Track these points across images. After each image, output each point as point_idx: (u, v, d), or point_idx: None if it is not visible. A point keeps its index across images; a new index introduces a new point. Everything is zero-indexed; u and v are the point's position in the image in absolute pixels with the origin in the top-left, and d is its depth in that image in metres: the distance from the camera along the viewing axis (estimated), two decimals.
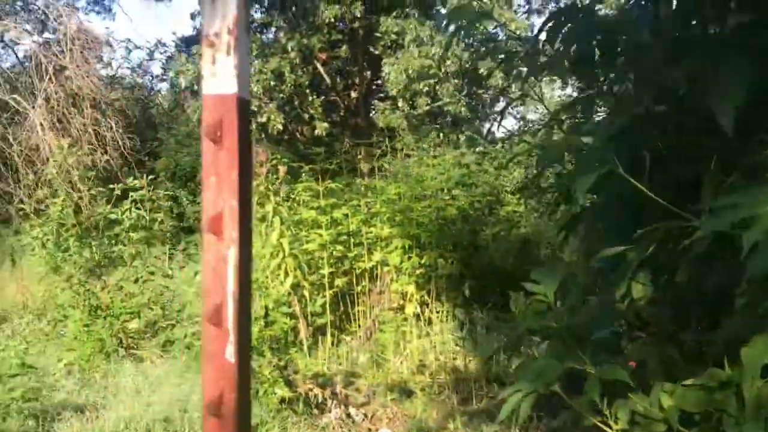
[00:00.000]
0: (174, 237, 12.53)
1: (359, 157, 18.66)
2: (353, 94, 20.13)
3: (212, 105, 1.26)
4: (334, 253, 6.37)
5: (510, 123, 29.91)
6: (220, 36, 1.26)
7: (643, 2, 2.97)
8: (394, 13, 17.57)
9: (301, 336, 5.96)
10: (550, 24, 2.72)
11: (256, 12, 20.60)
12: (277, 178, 6.12)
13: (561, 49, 2.68)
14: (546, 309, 2.58)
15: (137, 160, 16.42)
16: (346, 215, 6.50)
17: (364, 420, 4.38)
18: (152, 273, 6.07)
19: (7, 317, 8.39)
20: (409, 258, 6.57)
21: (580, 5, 2.87)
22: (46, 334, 7.17)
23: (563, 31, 2.62)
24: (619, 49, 2.60)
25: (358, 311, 6.59)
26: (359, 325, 6.53)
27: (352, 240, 6.58)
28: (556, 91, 19.08)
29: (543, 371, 2.34)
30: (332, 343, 6.17)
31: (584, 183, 2.06)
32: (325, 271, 6.22)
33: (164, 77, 23.13)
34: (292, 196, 6.37)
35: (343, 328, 6.59)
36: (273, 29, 20.11)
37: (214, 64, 1.27)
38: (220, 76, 1.26)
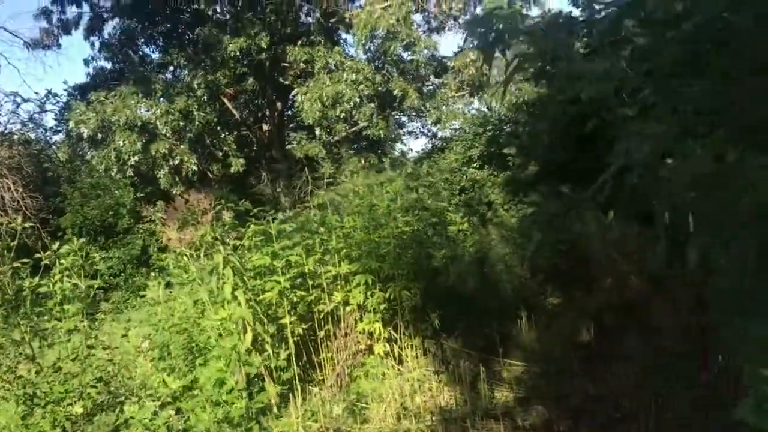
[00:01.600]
0: (92, 299, 11.60)
1: (279, 190, 18.15)
2: (265, 127, 19.62)
3: None
4: (294, 298, 5.86)
5: (422, 142, 30.14)
6: None
7: None
8: (300, 42, 17.25)
9: (270, 396, 5.41)
10: None
11: (153, 52, 19.83)
12: (224, 225, 5.58)
13: None
14: None
15: (41, 219, 15.27)
16: (301, 256, 6.01)
17: None
18: (91, 347, 5.38)
19: None
20: (373, 294, 6.16)
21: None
22: None
23: None
24: None
25: (324, 358, 6.09)
26: (327, 374, 6.04)
27: (309, 282, 6.09)
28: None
29: None
30: (303, 398, 5.64)
31: None
32: (286, 320, 5.70)
33: (59, 129, 21.89)
34: (241, 243, 5.82)
35: (309, 379, 6.08)
36: (172, 68, 19.39)
37: None
38: None
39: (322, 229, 6.25)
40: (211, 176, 18.71)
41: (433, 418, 5.34)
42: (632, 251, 8.23)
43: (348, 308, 6.19)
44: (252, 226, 5.95)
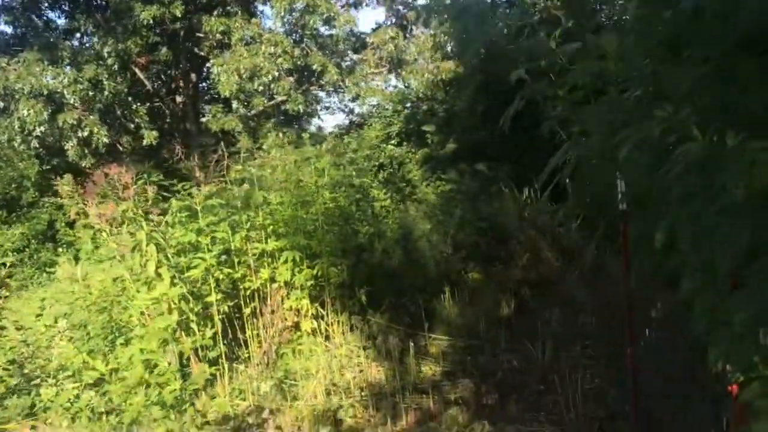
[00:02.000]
0: None
1: (194, 164, 17.61)
2: (179, 99, 18.93)
3: None
4: (220, 276, 5.74)
5: (339, 118, 29.91)
6: None
7: None
8: (216, 12, 16.71)
9: (196, 374, 5.29)
10: None
11: (59, 17, 18.73)
12: (147, 200, 5.37)
13: None
14: None
15: None
16: (227, 233, 5.87)
17: None
18: (3, 327, 5.10)
19: None
20: (300, 271, 6.11)
21: None
22: None
23: None
24: None
25: (250, 336, 6.01)
26: (253, 352, 5.96)
27: (235, 259, 5.97)
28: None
29: None
30: (230, 377, 5.55)
31: None
32: (213, 298, 5.57)
33: None
34: (165, 219, 5.63)
35: (235, 357, 5.99)
36: (79, 35, 18.39)
37: None
38: None
39: (240, 204, 6.11)
40: (122, 149, 17.95)
41: (363, 394, 5.38)
42: (550, 228, 8.51)
43: (275, 285, 6.12)
44: (174, 201, 5.77)
